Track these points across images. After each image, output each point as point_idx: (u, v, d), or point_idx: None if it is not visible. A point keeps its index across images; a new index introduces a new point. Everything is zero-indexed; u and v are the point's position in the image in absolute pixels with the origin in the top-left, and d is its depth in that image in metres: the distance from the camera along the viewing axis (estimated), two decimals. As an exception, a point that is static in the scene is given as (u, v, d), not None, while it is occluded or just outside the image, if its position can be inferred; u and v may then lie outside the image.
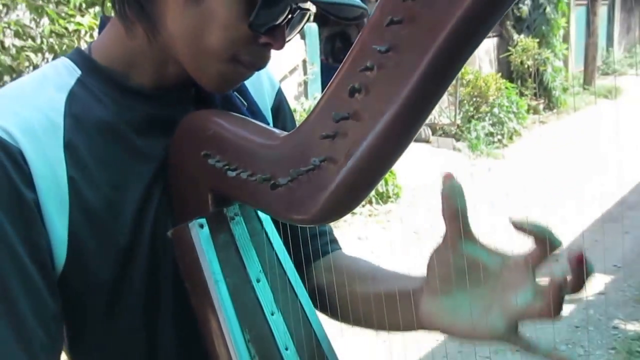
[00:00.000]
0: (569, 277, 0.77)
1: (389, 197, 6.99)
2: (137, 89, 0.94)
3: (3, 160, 0.82)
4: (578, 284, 0.77)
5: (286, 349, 0.94)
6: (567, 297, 0.77)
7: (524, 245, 0.81)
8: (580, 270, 0.76)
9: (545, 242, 0.79)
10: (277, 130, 0.88)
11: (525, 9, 11.80)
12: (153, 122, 0.94)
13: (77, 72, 0.92)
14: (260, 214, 0.98)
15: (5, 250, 0.82)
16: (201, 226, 0.91)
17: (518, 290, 0.81)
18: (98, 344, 0.96)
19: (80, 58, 0.94)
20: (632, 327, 4.42)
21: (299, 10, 0.89)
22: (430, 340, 3.81)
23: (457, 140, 9.42)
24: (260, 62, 0.92)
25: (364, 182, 0.78)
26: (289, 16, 0.88)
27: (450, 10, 0.66)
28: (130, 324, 0.95)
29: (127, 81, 0.93)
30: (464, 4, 0.65)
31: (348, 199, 0.79)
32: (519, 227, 0.80)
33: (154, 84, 0.95)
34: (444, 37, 0.67)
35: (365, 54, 0.72)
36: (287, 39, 0.90)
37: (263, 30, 0.87)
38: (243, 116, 0.95)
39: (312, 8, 0.90)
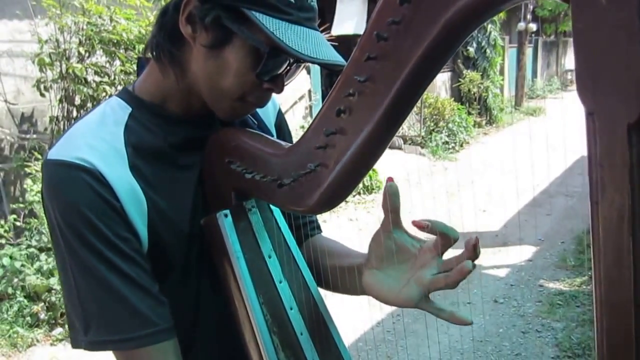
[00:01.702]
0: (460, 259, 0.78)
1: (373, 188, 6.97)
2: (174, 117, 0.90)
3: (89, 181, 0.79)
4: (472, 257, 0.77)
5: (291, 309, 0.91)
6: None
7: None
8: (474, 252, 0.76)
9: (444, 234, 0.78)
10: (282, 143, 0.85)
11: (471, 50, 11.75)
12: (190, 141, 0.91)
13: (129, 109, 0.88)
14: (271, 205, 0.95)
15: (110, 247, 0.80)
16: (226, 216, 0.88)
17: (427, 267, 0.80)
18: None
19: (129, 96, 0.90)
20: (554, 285, 4.40)
21: (295, 63, 0.86)
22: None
23: (422, 147, 9.38)
24: (262, 101, 0.89)
25: (348, 182, 0.75)
26: (288, 68, 0.85)
27: (414, 49, 0.63)
28: (189, 289, 0.92)
29: (165, 111, 0.90)
30: (424, 45, 0.62)
31: (336, 195, 0.77)
32: (420, 226, 0.79)
33: (184, 112, 0.91)
34: (409, 70, 0.64)
35: (348, 83, 0.70)
36: (285, 83, 0.88)
37: (266, 79, 0.84)
38: (257, 132, 0.92)
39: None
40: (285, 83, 0.88)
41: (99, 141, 0.82)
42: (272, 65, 0.82)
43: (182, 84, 0.88)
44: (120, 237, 0.80)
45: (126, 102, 0.89)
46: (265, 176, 0.81)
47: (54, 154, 0.81)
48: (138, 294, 0.81)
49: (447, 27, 0.59)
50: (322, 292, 0.99)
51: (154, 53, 0.87)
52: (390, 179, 0.82)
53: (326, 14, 7.83)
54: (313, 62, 0.78)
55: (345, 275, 0.94)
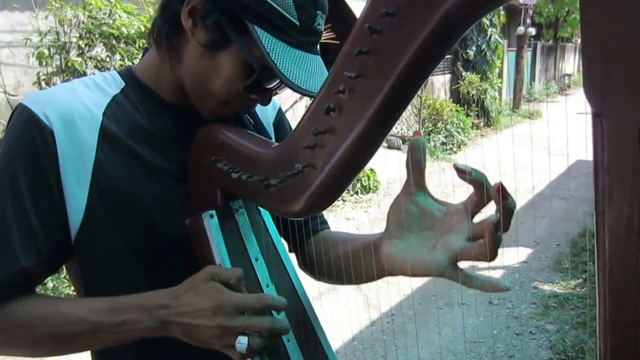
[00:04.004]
0: (498, 218, 0.67)
1: (370, 189, 6.93)
2: (166, 103, 0.88)
3: (35, 136, 0.78)
4: (506, 222, 0.67)
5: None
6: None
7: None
8: (505, 204, 0.67)
9: (482, 189, 0.68)
10: (271, 141, 0.81)
11: (471, 53, 11.69)
12: (180, 129, 0.88)
13: (122, 84, 0.87)
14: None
15: (15, 197, 0.78)
16: (212, 216, 0.83)
17: (457, 233, 0.70)
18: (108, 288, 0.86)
19: (128, 73, 0.89)
20: (548, 287, 4.36)
21: None
22: (396, 295, 3.75)
23: (420, 148, 9.33)
24: (246, 109, 0.88)
25: (338, 184, 0.70)
26: (278, 85, 0.82)
27: (409, 44, 0.58)
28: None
29: (158, 96, 0.88)
30: (420, 38, 0.57)
31: (325, 197, 0.71)
32: (461, 172, 0.67)
33: (176, 100, 0.88)
34: (403, 66, 0.59)
35: (338, 80, 0.64)
36: (277, 93, 0.85)
37: (254, 92, 0.82)
38: (245, 129, 0.88)
39: None
40: (278, 92, 0.85)
41: (75, 102, 0.82)
42: (261, 83, 0.80)
43: (175, 72, 0.85)
44: (30, 194, 0.78)
45: (122, 78, 0.88)
46: (252, 176, 0.77)
47: (30, 99, 0.81)
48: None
49: (446, 18, 0.54)
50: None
51: (154, 37, 0.85)
52: (418, 132, 0.73)
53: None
54: (300, 93, 0.75)
55: (357, 258, 0.86)
